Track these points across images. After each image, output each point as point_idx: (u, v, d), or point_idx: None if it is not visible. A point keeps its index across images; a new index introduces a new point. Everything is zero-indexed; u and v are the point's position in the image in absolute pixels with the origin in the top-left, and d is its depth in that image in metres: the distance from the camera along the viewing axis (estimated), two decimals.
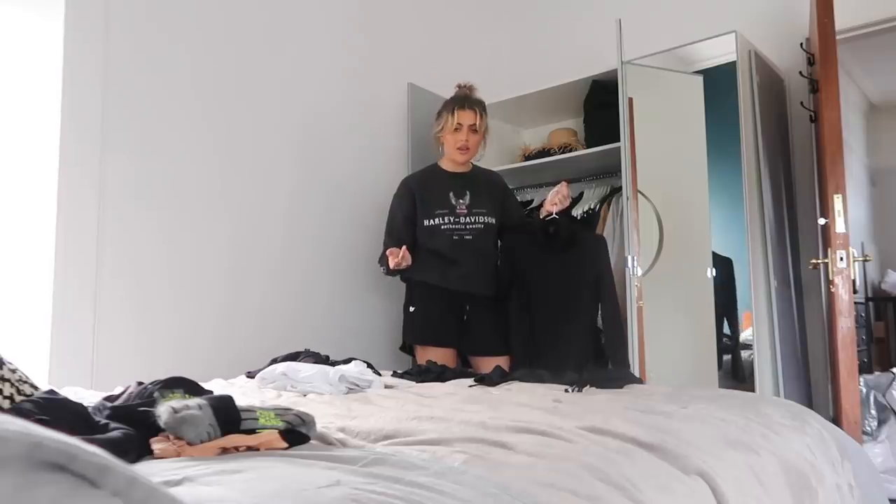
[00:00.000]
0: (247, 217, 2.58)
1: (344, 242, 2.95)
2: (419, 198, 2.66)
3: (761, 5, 3.02)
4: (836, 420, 2.20)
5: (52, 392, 1.05)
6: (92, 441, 0.79)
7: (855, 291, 2.21)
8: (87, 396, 1.29)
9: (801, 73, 2.81)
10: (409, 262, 2.48)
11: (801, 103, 2.87)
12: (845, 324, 2.16)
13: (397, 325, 2.91)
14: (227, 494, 0.65)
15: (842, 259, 2.17)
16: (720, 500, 0.91)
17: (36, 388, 1.08)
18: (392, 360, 2.94)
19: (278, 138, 2.72)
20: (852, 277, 2.17)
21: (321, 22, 2.93)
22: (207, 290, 2.41)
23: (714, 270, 2.85)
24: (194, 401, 0.92)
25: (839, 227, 2.19)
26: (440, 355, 2.49)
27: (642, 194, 2.77)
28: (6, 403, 0.99)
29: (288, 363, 1.80)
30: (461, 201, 2.63)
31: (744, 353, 3.07)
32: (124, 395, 1.17)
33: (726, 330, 3.18)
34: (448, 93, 3.53)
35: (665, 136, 2.88)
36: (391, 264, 2.47)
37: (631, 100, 2.76)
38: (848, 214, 2.19)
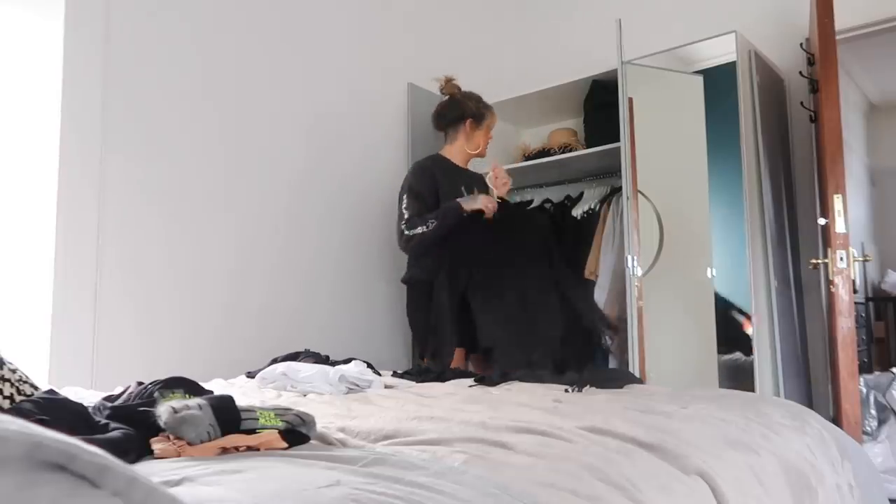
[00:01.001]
0: (247, 217, 2.58)
1: (345, 242, 2.95)
2: (440, 183, 2.61)
3: (761, 5, 3.02)
4: (836, 420, 2.20)
5: (52, 392, 1.05)
6: (92, 441, 0.79)
7: (855, 291, 2.21)
8: (87, 396, 1.29)
9: (801, 73, 2.81)
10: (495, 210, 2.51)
11: (801, 103, 2.87)
12: (845, 324, 2.16)
13: (397, 325, 2.91)
14: (227, 494, 0.65)
15: (842, 259, 2.17)
16: (720, 500, 0.91)
17: (36, 388, 1.08)
18: (392, 360, 2.94)
19: (278, 138, 2.72)
20: (852, 277, 2.17)
21: (321, 22, 2.93)
22: (208, 290, 2.41)
23: (714, 270, 2.85)
24: (194, 401, 0.92)
25: (839, 227, 2.19)
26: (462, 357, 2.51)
27: (642, 194, 2.77)
28: (6, 403, 0.99)
29: (288, 363, 1.81)
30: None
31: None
32: (124, 395, 1.17)
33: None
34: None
35: (665, 136, 2.88)
36: (492, 207, 2.48)
37: (631, 100, 2.77)
38: (848, 214, 2.19)
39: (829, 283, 2.30)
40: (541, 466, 0.86)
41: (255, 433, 0.91)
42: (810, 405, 2.68)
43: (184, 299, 2.33)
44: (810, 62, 2.75)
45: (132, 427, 0.92)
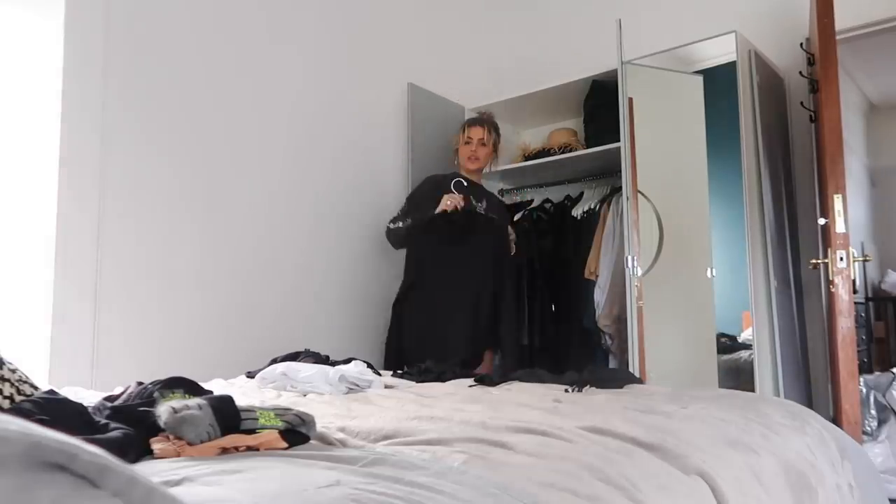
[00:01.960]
0: (247, 217, 2.58)
1: (345, 241, 2.95)
2: (441, 193, 2.81)
3: (761, 5, 3.02)
4: (836, 420, 2.20)
5: (52, 392, 1.05)
6: (92, 441, 0.79)
7: (855, 291, 2.20)
8: (87, 396, 1.29)
9: (801, 73, 2.81)
10: (461, 205, 2.72)
11: (801, 103, 2.87)
12: (845, 324, 2.16)
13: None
14: (227, 494, 0.65)
15: (842, 259, 2.17)
16: (720, 500, 0.91)
17: (36, 388, 1.08)
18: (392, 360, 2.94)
19: (278, 138, 2.72)
20: (852, 277, 2.17)
21: (321, 22, 2.93)
22: (208, 290, 2.41)
23: (714, 270, 2.85)
24: (194, 401, 0.92)
25: (839, 227, 2.18)
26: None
27: (642, 194, 2.77)
28: (6, 403, 0.99)
29: (288, 363, 1.80)
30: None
31: (744, 354, 3.07)
32: (124, 395, 1.17)
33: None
34: (448, 93, 3.53)
35: (665, 136, 2.88)
36: (451, 203, 2.67)
37: (631, 100, 2.77)
38: (848, 214, 2.19)
39: (829, 283, 2.29)
40: (541, 466, 0.86)
41: (255, 433, 0.91)
42: (810, 405, 2.68)
43: (184, 299, 2.33)
44: (810, 62, 2.75)
45: (132, 427, 0.92)
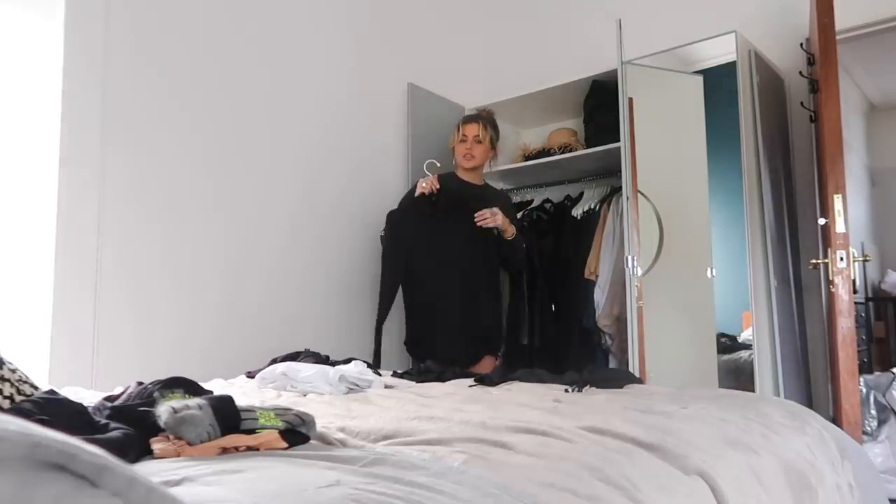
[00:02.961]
0: (247, 217, 2.58)
1: (344, 242, 2.95)
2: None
3: (761, 5, 3.02)
4: (836, 420, 2.20)
5: (52, 392, 1.05)
6: (92, 441, 0.79)
7: (855, 291, 2.20)
8: (87, 396, 1.29)
9: (801, 73, 2.81)
10: (437, 186, 2.67)
11: (801, 103, 2.87)
12: (845, 324, 2.16)
13: (398, 324, 2.91)
14: (227, 494, 0.65)
15: (842, 259, 2.17)
16: (720, 500, 0.91)
17: (36, 388, 1.08)
18: (392, 360, 2.94)
19: (278, 138, 2.72)
20: (852, 277, 2.17)
21: (322, 22, 2.93)
22: (208, 290, 2.41)
23: (714, 270, 2.85)
24: (194, 401, 0.92)
25: (839, 227, 2.18)
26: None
27: (642, 194, 2.77)
28: (6, 403, 0.99)
29: (288, 363, 1.80)
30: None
31: (744, 354, 3.07)
32: (124, 395, 1.17)
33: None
34: (448, 93, 3.53)
35: (665, 136, 2.88)
36: (426, 186, 2.64)
37: (631, 100, 2.76)
38: (848, 214, 2.19)
39: (829, 283, 2.29)
40: (541, 466, 0.86)
41: (255, 433, 0.91)
42: (810, 405, 2.68)
43: (184, 299, 2.33)
44: (810, 62, 2.75)
45: (132, 427, 0.92)
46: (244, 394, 1.62)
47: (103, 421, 0.95)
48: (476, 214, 2.61)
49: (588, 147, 3.18)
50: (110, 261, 2.14)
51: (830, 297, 2.39)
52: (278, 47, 2.74)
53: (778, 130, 2.90)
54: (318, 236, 2.85)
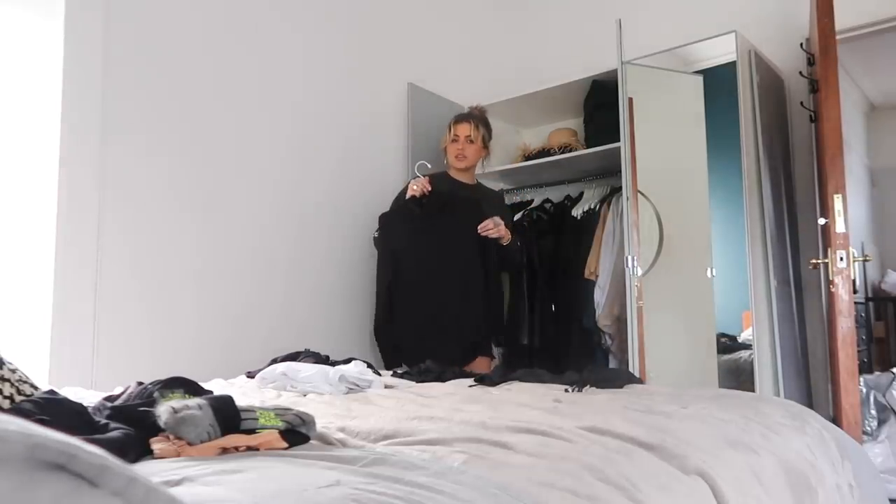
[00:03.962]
0: (247, 217, 2.58)
1: (344, 242, 2.95)
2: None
3: (761, 5, 3.02)
4: (836, 420, 2.20)
5: (52, 392, 1.05)
6: (92, 441, 0.79)
7: (855, 291, 2.20)
8: (87, 396, 1.29)
9: (801, 73, 2.81)
10: (428, 188, 2.63)
11: (801, 103, 2.87)
12: (845, 324, 2.16)
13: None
14: (227, 494, 0.65)
15: (842, 259, 2.17)
16: (720, 500, 0.91)
17: (36, 388, 1.08)
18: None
19: (278, 138, 2.72)
20: (852, 277, 2.17)
21: (321, 22, 2.93)
22: (208, 290, 2.41)
23: (714, 270, 2.85)
24: (194, 401, 0.92)
25: (839, 227, 2.18)
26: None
27: (642, 194, 2.77)
28: (6, 403, 0.99)
29: (288, 363, 1.80)
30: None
31: (743, 353, 3.07)
32: (124, 395, 1.17)
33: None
34: (448, 93, 3.52)
35: (665, 136, 2.88)
36: (418, 188, 2.60)
37: (631, 100, 2.77)
38: (848, 214, 2.19)
39: (829, 283, 2.29)
40: (541, 466, 0.86)
41: (255, 433, 0.91)
42: (810, 405, 2.68)
43: (184, 299, 2.33)
44: (810, 62, 2.75)
45: (132, 427, 0.92)
46: (244, 394, 1.62)
47: (103, 421, 0.95)
48: (479, 227, 2.58)
49: (588, 147, 3.18)
50: (110, 261, 2.14)
51: (830, 297, 2.39)
52: (278, 47, 2.74)
53: (778, 130, 2.90)
54: (320, 237, 2.85)
